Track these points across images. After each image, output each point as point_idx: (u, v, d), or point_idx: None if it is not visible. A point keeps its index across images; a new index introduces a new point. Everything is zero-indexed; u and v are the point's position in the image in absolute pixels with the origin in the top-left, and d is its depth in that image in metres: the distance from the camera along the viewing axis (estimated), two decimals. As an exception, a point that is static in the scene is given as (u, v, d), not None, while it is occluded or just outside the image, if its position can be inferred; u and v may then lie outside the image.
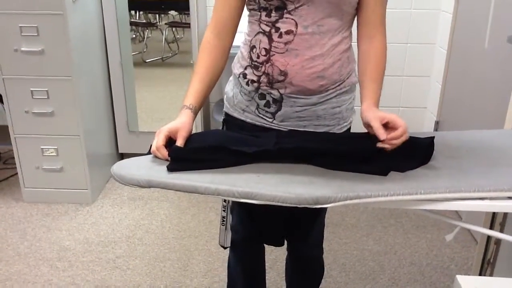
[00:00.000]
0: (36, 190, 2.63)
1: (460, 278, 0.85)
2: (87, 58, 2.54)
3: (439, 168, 1.10)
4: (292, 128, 1.25)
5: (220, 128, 1.39)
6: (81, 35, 2.43)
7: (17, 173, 2.62)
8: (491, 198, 1.00)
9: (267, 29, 1.18)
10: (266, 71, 1.21)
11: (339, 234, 2.38)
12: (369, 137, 1.10)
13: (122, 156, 2.98)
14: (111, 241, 2.30)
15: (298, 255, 1.60)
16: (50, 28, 2.29)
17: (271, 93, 1.23)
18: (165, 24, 3.09)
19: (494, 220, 1.57)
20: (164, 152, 1.09)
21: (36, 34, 2.29)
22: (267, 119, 1.26)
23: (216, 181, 1.00)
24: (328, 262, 2.16)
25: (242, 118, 1.30)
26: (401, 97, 3.08)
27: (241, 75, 1.27)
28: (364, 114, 1.12)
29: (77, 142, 2.50)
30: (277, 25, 1.17)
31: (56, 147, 2.51)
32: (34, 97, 2.41)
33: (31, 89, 2.39)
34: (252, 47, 1.22)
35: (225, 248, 1.49)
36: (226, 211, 1.44)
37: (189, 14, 2.71)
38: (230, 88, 1.35)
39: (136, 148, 2.93)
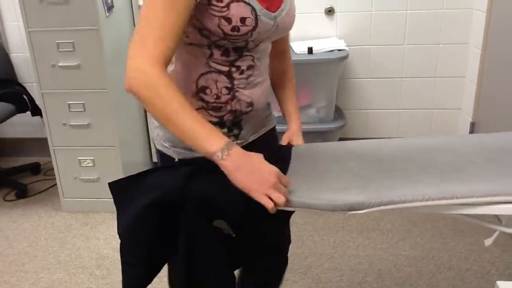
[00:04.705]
0: (74, 200, 2.70)
1: (502, 284, 0.83)
2: (121, 70, 2.61)
3: (477, 171, 1.07)
4: (249, 140, 1.27)
5: None
6: (114, 48, 2.50)
7: (56, 184, 2.71)
8: (532, 202, 0.97)
9: (223, 68, 1.11)
10: (233, 109, 1.16)
11: (374, 240, 2.35)
12: None
13: (155, 165, 3.04)
14: (147, 249, 2.34)
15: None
16: (85, 43, 2.36)
17: (231, 121, 1.21)
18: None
19: (536, 223, 1.52)
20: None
21: (72, 49, 2.37)
22: None
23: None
24: (363, 267, 2.14)
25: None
26: (435, 99, 3.02)
27: None
28: (290, 136, 1.30)
29: (113, 152, 2.56)
30: (237, 63, 1.12)
31: (92, 158, 2.59)
32: (71, 110, 2.49)
33: (68, 102, 2.48)
34: (203, 88, 1.12)
35: None
36: None
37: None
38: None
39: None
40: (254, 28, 1.06)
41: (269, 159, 1.00)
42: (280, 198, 0.93)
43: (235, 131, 1.22)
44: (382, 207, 0.95)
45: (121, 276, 2.19)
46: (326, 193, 0.99)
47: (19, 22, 2.99)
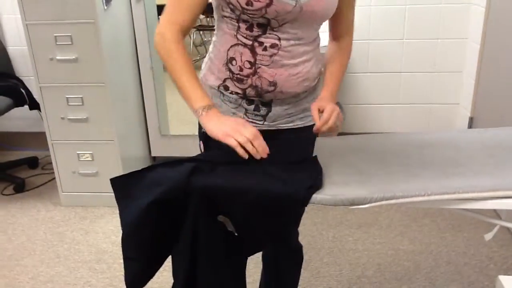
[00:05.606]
0: (73, 194, 2.70)
1: (503, 279, 0.83)
2: (119, 64, 2.60)
3: (477, 166, 1.07)
4: (281, 127, 1.28)
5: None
6: (112, 41, 2.49)
7: (54, 178, 2.70)
8: (532, 197, 0.97)
9: (248, 42, 1.17)
10: (253, 84, 1.20)
11: (373, 234, 2.35)
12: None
13: (154, 159, 3.04)
14: (146, 243, 2.34)
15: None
16: (83, 37, 2.35)
17: (259, 99, 1.23)
18: (193, 27, 3.13)
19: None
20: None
21: (70, 42, 2.36)
22: (257, 122, 1.26)
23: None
24: (362, 262, 2.15)
25: None
26: (433, 94, 3.02)
27: (221, 87, 1.24)
28: (319, 102, 1.27)
29: (112, 146, 2.55)
30: (260, 39, 1.16)
31: (91, 152, 2.58)
32: (69, 104, 2.48)
33: (67, 96, 2.46)
34: (230, 59, 1.20)
35: None
36: None
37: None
38: None
39: (168, 151, 2.97)
40: (268, 5, 1.10)
41: (286, 152, 1.05)
42: (242, 138, 1.05)
43: (263, 111, 1.24)
44: (384, 202, 0.95)
45: (120, 270, 2.20)
46: (328, 188, 0.99)
47: (16, 15, 2.98)
